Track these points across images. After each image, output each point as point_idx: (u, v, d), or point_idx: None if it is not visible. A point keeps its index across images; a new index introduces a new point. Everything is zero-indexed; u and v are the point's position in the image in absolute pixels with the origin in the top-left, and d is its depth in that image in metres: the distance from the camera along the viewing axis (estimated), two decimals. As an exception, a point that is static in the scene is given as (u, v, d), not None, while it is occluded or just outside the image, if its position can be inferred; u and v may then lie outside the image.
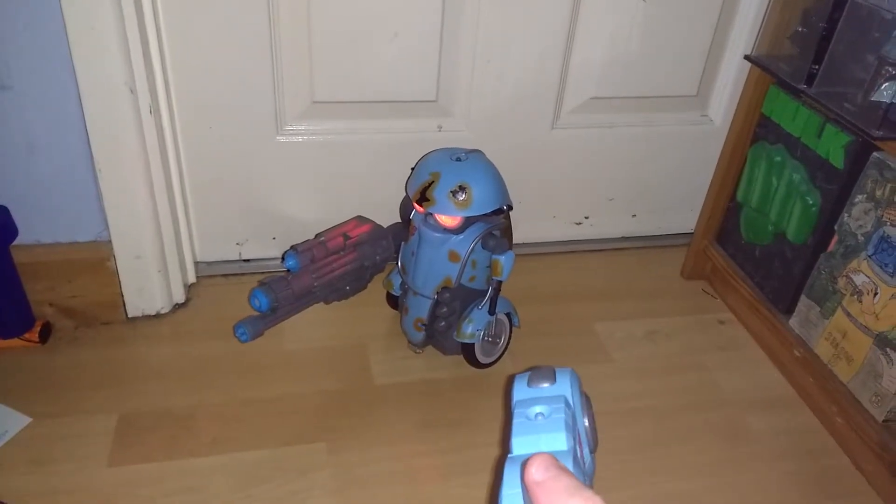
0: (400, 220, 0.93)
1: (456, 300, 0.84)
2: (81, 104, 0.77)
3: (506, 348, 0.91)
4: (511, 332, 0.91)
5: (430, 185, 0.77)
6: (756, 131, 0.96)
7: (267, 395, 0.84)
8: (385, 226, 0.94)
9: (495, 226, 0.82)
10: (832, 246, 0.84)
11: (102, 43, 0.75)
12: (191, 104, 0.89)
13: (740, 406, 0.89)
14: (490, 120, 1.01)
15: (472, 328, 0.84)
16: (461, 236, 0.80)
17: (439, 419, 0.83)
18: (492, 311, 0.85)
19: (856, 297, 0.81)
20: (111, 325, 0.92)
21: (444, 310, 0.84)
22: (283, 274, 0.83)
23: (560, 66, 1.00)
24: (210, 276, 1.03)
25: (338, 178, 1.01)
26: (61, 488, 0.71)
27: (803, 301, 0.89)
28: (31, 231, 0.85)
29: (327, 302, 0.88)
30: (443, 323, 0.84)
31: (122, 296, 0.91)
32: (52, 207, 0.85)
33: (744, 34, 1.02)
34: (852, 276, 0.81)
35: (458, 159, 0.79)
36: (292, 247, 0.84)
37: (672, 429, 0.84)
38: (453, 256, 0.81)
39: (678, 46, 1.02)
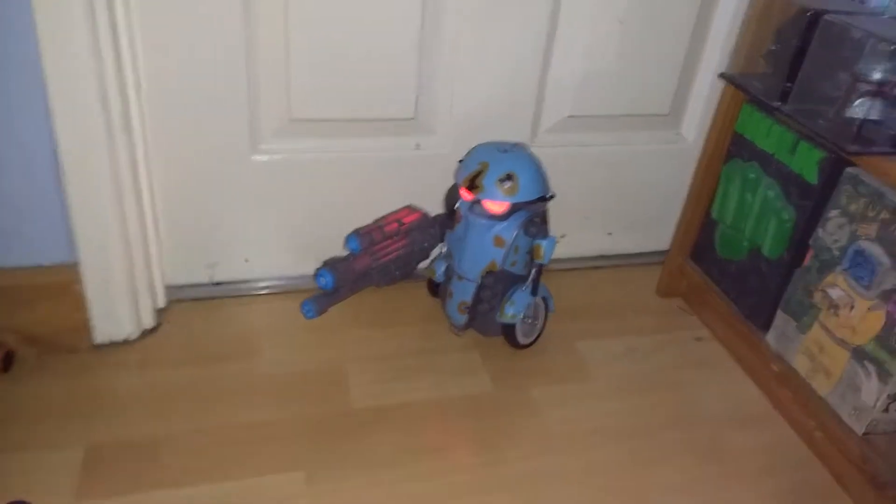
0: (445, 211, 0.97)
1: (499, 283, 0.90)
2: (50, 117, 0.75)
3: (541, 331, 0.97)
4: (547, 316, 0.96)
5: (479, 173, 0.84)
6: (730, 149, 0.97)
7: (240, 422, 0.81)
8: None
9: (536, 213, 0.88)
10: (807, 261, 0.85)
11: (75, 54, 0.73)
12: (162, 120, 0.87)
13: (719, 423, 0.89)
14: (468, 138, 1.00)
15: (514, 310, 0.90)
16: (506, 223, 0.86)
17: (421, 444, 0.81)
18: (534, 292, 0.91)
19: (832, 310, 0.81)
20: (77, 353, 0.88)
21: (488, 292, 0.90)
22: (344, 255, 0.91)
23: (536, 83, 1.00)
24: (180, 300, 1.00)
25: (313, 197, 0.99)
26: (24, 527, 0.67)
27: (780, 316, 0.90)
28: (-8, 255, 0.81)
29: (378, 286, 0.96)
30: (486, 305, 0.91)
31: (89, 322, 0.88)
32: (14, 228, 0.81)
33: (716, 53, 1.04)
34: (828, 290, 0.82)
35: (505, 151, 0.86)
36: (355, 230, 0.91)
37: (652, 448, 0.84)
38: (498, 241, 0.87)
39: (653, 65, 1.04)
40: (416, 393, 0.87)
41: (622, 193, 1.13)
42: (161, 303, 0.96)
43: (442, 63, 0.94)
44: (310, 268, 1.04)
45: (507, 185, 0.84)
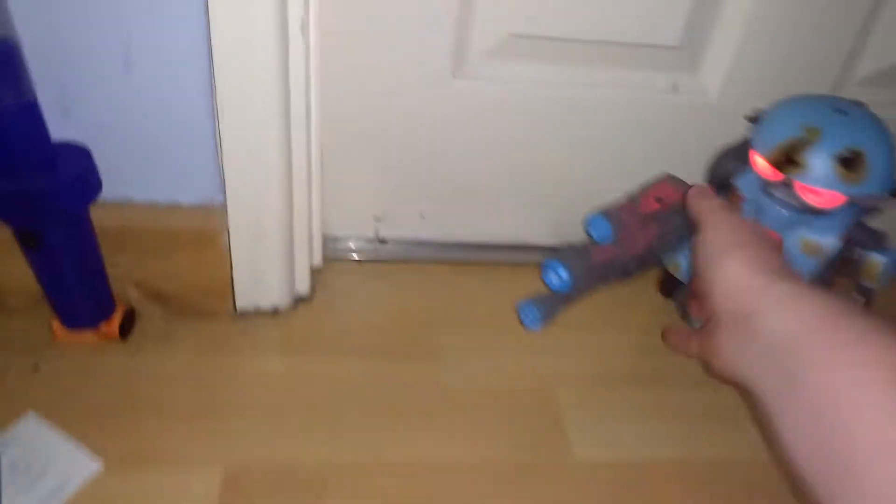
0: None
1: None
2: (207, 5, 0.51)
3: None
4: None
5: (804, 144, 0.55)
6: None
7: (420, 459, 0.58)
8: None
9: (867, 210, 0.60)
10: None
11: None
12: (342, 22, 0.62)
13: None
14: (748, 85, 0.70)
15: None
16: (825, 220, 0.59)
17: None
18: None
19: None
20: (213, 320, 0.67)
21: None
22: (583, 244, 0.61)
23: (863, 18, 0.68)
24: (339, 259, 0.77)
25: (525, 145, 0.73)
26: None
27: None
28: (119, 184, 0.60)
29: (621, 281, 0.64)
30: None
31: (233, 282, 0.66)
32: (151, 153, 0.60)
33: None
34: None
35: (843, 112, 0.57)
36: (603, 210, 0.60)
37: None
38: (811, 248, 0.60)
39: None
40: (659, 447, 0.62)
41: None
42: (317, 260, 0.74)
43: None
44: (499, 235, 0.80)
45: (852, 167, 0.55)
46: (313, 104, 0.63)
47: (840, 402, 0.35)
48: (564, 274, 0.58)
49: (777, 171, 0.58)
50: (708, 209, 0.50)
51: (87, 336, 0.62)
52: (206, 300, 0.67)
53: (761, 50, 0.68)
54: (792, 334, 0.38)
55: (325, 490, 0.54)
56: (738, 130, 0.70)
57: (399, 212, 0.77)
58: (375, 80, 0.66)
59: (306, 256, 0.70)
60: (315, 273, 0.73)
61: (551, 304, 0.60)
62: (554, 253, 0.59)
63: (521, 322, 0.59)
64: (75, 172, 0.54)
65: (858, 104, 0.60)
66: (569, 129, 0.72)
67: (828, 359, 0.36)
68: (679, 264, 0.71)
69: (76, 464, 0.53)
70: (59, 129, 0.55)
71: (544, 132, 0.72)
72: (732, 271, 0.43)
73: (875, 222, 0.62)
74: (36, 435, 0.54)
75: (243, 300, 0.68)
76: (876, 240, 0.60)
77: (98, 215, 0.58)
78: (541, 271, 0.58)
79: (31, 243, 0.54)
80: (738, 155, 0.66)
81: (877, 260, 0.59)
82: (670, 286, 0.75)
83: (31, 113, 0.51)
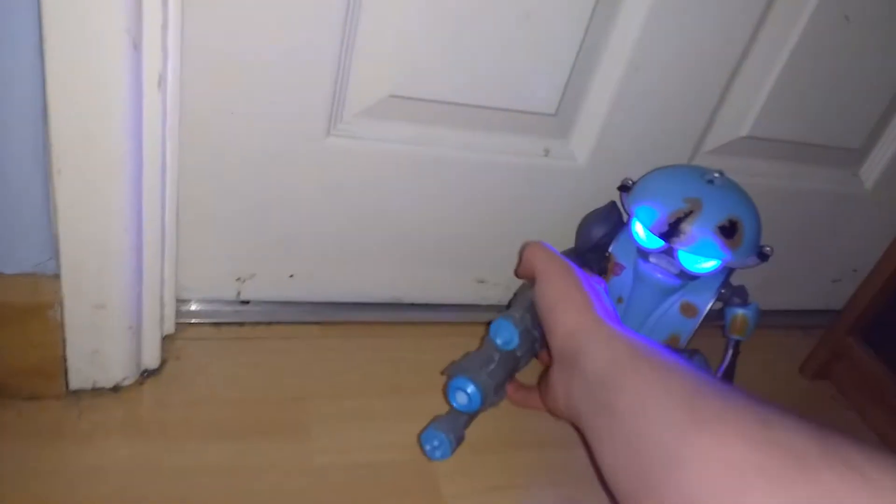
0: (576, 250, 0.68)
1: None
2: (42, 54, 0.44)
3: None
4: None
5: (686, 215, 0.58)
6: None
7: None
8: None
9: (731, 271, 0.64)
10: None
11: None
12: (207, 75, 0.57)
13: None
14: (611, 149, 0.72)
15: None
16: (698, 283, 0.63)
17: None
18: (731, 378, 0.67)
19: None
20: (42, 403, 0.58)
21: None
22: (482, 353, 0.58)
23: (719, 93, 0.73)
24: (193, 322, 0.70)
25: (399, 203, 0.71)
26: None
27: None
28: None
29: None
30: None
31: (66, 359, 0.58)
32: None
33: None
34: None
35: (711, 181, 0.61)
36: (507, 313, 0.57)
37: None
38: (688, 309, 0.64)
39: (869, 81, 0.77)
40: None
41: (784, 240, 0.87)
42: (169, 327, 0.67)
43: (612, 49, 0.66)
44: (372, 293, 0.76)
45: (731, 235, 0.58)
46: (169, 161, 0.57)
47: (643, 423, 0.39)
48: (476, 391, 0.54)
49: (660, 241, 0.59)
50: (541, 262, 0.54)
51: None
52: (33, 381, 0.58)
53: (627, 120, 0.70)
54: (607, 368, 0.43)
55: None
56: (605, 194, 0.72)
57: (265, 272, 0.72)
58: (244, 137, 0.61)
59: (156, 324, 0.63)
60: (166, 341, 0.66)
61: (458, 426, 0.56)
62: (458, 368, 0.56)
63: (427, 454, 0.55)
64: None
65: (720, 173, 0.63)
66: (443, 189, 0.71)
67: (633, 386, 0.41)
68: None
69: None
70: None
71: (419, 192, 0.71)
72: (565, 317, 0.49)
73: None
74: None
75: (78, 378, 0.59)
76: (741, 295, 0.63)
77: None
78: (446, 392, 0.55)
79: None
80: (607, 220, 0.68)
81: (744, 314, 0.63)
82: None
83: None
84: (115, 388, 0.61)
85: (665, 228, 0.58)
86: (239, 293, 0.73)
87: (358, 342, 0.74)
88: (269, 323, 0.73)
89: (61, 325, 0.56)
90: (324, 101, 0.61)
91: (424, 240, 0.74)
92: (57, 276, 0.54)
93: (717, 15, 0.66)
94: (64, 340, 0.57)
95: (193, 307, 0.71)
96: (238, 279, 0.72)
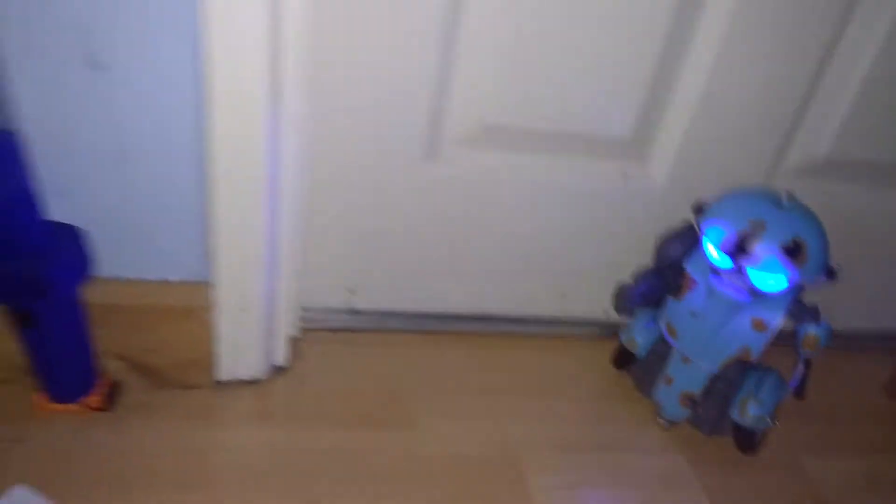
0: (655, 268, 0.75)
1: (740, 375, 0.71)
2: (204, 102, 0.56)
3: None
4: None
5: (752, 236, 0.62)
6: None
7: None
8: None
9: (802, 290, 0.68)
10: None
11: (244, 19, 0.53)
12: (326, 110, 0.67)
13: None
14: (689, 172, 0.78)
15: (762, 411, 0.70)
16: (770, 301, 0.66)
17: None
18: (801, 394, 0.70)
19: None
20: (194, 392, 0.70)
21: (724, 385, 0.71)
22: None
23: (791, 120, 0.77)
24: (313, 328, 0.81)
25: (491, 223, 0.79)
26: None
27: None
28: (109, 262, 0.64)
29: None
30: (718, 399, 0.72)
31: (215, 354, 0.69)
32: (142, 233, 0.64)
33: None
34: None
35: (780, 205, 0.64)
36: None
37: None
38: (759, 325, 0.67)
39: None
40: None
41: (864, 263, 0.90)
42: (294, 331, 0.78)
43: (687, 76, 0.73)
44: (464, 306, 0.85)
45: (795, 255, 0.62)
46: (297, 187, 0.67)
47: None
48: None
49: (730, 260, 0.65)
50: None
51: (70, 409, 0.64)
52: (188, 372, 0.70)
53: (702, 144, 0.76)
54: None
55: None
56: (680, 215, 0.78)
57: (371, 284, 0.82)
58: (355, 167, 0.72)
59: (284, 328, 0.74)
60: (292, 343, 0.77)
61: None
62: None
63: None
64: (70, 255, 0.57)
65: (790, 195, 0.67)
66: (530, 210, 0.79)
67: None
68: (637, 342, 0.77)
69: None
70: (58, 210, 0.58)
71: (509, 212, 0.79)
72: None
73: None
74: (24, 507, 0.56)
75: (224, 372, 0.71)
76: (813, 315, 0.67)
77: (88, 291, 0.61)
78: None
79: (25, 322, 0.57)
80: (683, 240, 0.73)
81: (815, 332, 0.67)
82: (625, 359, 0.81)
83: (28, 199, 0.54)
84: (252, 382, 0.72)
85: (732, 247, 0.64)
86: (350, 303, 0.83)
87: (454, 350, 0.83)
88: (377, 330, 0.83)
89: (212, 326, 0.67)
90: (422, 133, 0.71)
91: (513, 257, 0.82)
92: (210, 284, 0.66)
93: (790, 41, 0.71)
94: (214, 339, 0.68)
95: (313, 315, 0.81)
96: (349, 290, 0.82)
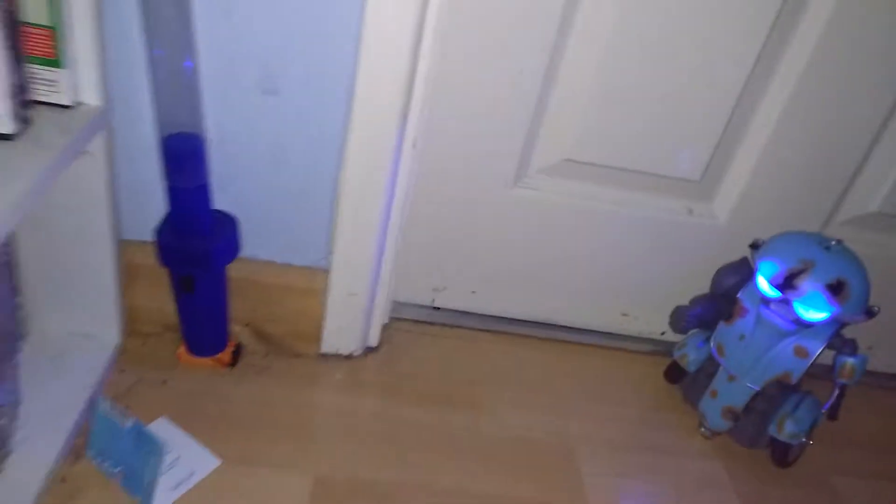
0: (711, 293, 0.86)
1: (781, 395, 0.79)
2: (348, 124, 0.69)
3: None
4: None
5: (800, 273, 0.71)
6: None
7: (473, 490, 0.73)
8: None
9: (843, 324, 0.76)
10: None
11: (391, 60, 0.66)
12: (436, 134, 0.80)
13: None
14: (749, 213, 0.87)
15: (798, 428, 0.79)
16: (812, 331, 0.75)
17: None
18: (835, 416, 0.79)
19: None
20: (302, 359, 0.83)
21: (766, 403, 0.80)
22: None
23: (853, 170, 0.85)
24: (400, 318, 0.93)
25: (562, 244, 0.90)
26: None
27: None
28: (249, 245, 0.77)
29: None
30: (758, 415, 0.80)
31: (322, 330, 0.82)
32: (280, 225, 0.77)
33: None
34: None
35: (828, 248, 0.73)
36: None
37: None
38: (801, 352, 0.76)
39: None
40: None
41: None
42: (385, 319, 0.90)
43: (755, 127, 0.82)
44: (534, 313, 0.95)
45: (838, 292, 0.71)
46: (404, 198, 0.80)
47: None
48: None
49: (779, 292, 0.74)
50: None
51: (205, 362, 0.78)
52: (299, 343, 0.83)
53: (765, 190, 0.85)
54: None
55: (394, 501, 0.69)
56: (739, 251, 0.87)
57: (454, 286, 0.94)
58: (452, 182, 0.84)
59: (379, 315, 0.86)
60: (383, 329, 0.89)
61: None
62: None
63: None
64: (227, 237, 0.71)
65: (838, 241, 0.76)
66: (603, 236, 0.89)
67: None
68: (689, 357, 0.86)
69: (202, 459, 0.68)
70: (219, 201, 0.73)
71: (580, 236, 0.89)
72: None
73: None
74: (168, 434, 0.70)
75: (327, 346, 0.84)
76: (851, 346, 0.75)
77: (233, 267, 0.75)
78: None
79: (187, 287, 0.71)
80: (738, 272, 0.83)
81: (852, 363, 0.75)
82: (676, 374, 0.90)
83: (204, 192, 0.68)
84: (349, 357, 0.85)
85: (781, 281, 0.72)
86: (434, 301, 0.95)
87: (519, 349, 0.93)
88: (454, 326, 0.95)
89: (323, 306, 0.80)
90: (514, 161, 0.82)
91: (581, 275, 0.92)
92: (326, 271, 0.79)
93: (852, 105, 0.79)
94: (323, 317, 0.81)
95: (402, 307, 0.94)
96: (434, 289, 0.94)
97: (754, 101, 0.80)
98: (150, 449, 0.63)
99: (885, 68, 0.78)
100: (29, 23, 0.53)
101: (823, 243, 0.74)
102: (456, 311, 0.96)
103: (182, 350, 0.78)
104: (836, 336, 0.75)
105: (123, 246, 0.73)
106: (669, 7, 0.73)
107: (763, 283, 0.75)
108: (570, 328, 0.98)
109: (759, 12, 0.74)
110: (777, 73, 0.79)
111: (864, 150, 0.84)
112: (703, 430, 0.84)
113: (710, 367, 0.83)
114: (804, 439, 0.79)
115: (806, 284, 0.71)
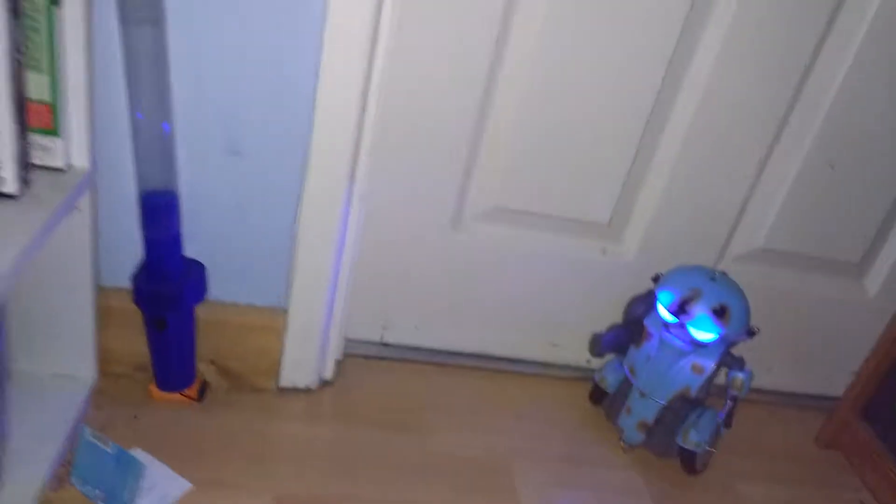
0: (623, 323, 0.98)
1: (685, 408, 0.89)
2: (304, 182, 0.80)
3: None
4: (717, 447, 0.94)
5: (690, 299, 0.84)
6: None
7: (415, 502, 0.82)
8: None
9: (732, 343, 0.88)
10: None
11: (341, 130, 0.78)
12: (380, 187, 0.90)
13: None
14: (654, 250, 1.01)
15: (699, 437, 0.89)
16: (705, 350, 0.87)
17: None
18: (729, 424, 0.90)
19: None
20: (262, 394, 0.91)
21: (672, 415, 0.90)
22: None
23: (736, 211, 1.00)
24: (353, 354, 1.03)
25: (498, 283, 1.02)
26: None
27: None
28: (215, 288, 0.86)
29: None
30: (667, 427, 0.90)
31: (280, 365, 0.91)
32: (243, 270, 0.86)
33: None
34: None
35: (713, 279, 0.87)
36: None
37: None
38: (697, 369, 0.88)
39: (854, 213, 1.03)
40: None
41: (796, 335, 1.11)
42: (339, 355, 0.99)
43: (653, 175, 0.96)
44: (473, 346, 1.06)
45: (722, 315, 0.84)
46: (355, 243, 0.91)
47: None
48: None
49: (675, 317, 0.86)
50: None
51: (174, 397, 0.86)
52: (258, 378, 0.91)
53: (665, 231, 0.99)
54: None
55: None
56: (645, 282, 1.00)
57: (399, 323, 1.04)
58: (395, 228, 0.95)
59: (333, 351, 0.95)
60: (337, 364, 0.98)
61: None
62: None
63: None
64: (195, 281, 0.80)
65: (722, 272, 0.90)
66: (530, 275, 1.01)
67: None
68: (608, 380, 0.98)
69: (175, 483, 0.75)
70: (188, 249, 0.82)
71: (511, 274, 1.01)
72: None
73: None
74: (144, 462, 0.77)
75: (286, 380, 0.92)
76: (739, 363, 0.88)
77: (197, 309, 0.83)
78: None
79: (160, 327, 0.79)
80: (645, 301, 0.96)
81: (741, 377, 0.88)
82: (599, 395, 1.02)
83: (176, 241, 0.77)
84: (306, 390, 0.94)
85: (676, 308, 0.86)
86: (382, 337, 1.05)
87: (461, 378, 1.04)
88: (401, 360, 1.04)
89: (282, 343, 0.89)
90: (449, 209, 0.94)
91: (513, 311, 1.04)
92: (285, 311, 0.88)
93: (732, 156, 0.95)
94: (283, 353, 0.90)
95: (353, 343, 1.03)
96: (382, 327, 1.04)
97: (649, 155, 0.95)
98: (130, 469, 0.70)
99: (759, 127, 0.94)
100: (32, 99, 0.63)
101: (709, 274, 0.88)
102: (402, 345, 1.06)
103: (153, 386, 0.86)
104: (727, 354, 0.88)
105: (99, 291, 0.81)
106: (582, 54, 0.87)
107: (662, 311, 0.88)
108: (506, 359, 1.09)
109: (654, 56, 0.88)
110: (667, 130, 0.94)
111: (744, 194, 0.99)
112: (622, 443, 0.95)
113: (625, 387, 0.95)
114: (708, 447, 0.91)
115: (696, 309, 0.84)
